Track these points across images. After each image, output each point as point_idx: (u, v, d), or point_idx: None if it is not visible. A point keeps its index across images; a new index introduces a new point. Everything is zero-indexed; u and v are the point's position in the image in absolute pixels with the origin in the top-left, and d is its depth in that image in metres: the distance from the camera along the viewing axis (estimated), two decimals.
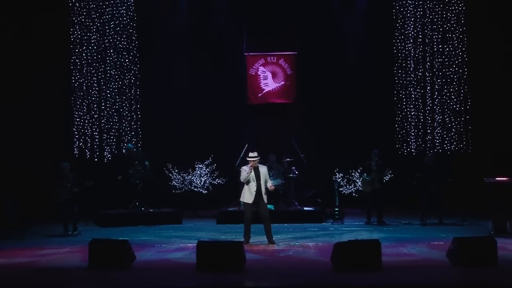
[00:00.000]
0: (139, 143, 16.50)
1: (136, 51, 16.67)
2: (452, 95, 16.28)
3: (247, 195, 10.89)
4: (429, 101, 16.44)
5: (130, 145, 15.26)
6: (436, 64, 16.38)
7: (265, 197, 10.94)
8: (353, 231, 12.43)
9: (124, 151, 15.83)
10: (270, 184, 11.11)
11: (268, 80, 17.12)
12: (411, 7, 16.51)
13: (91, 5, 16.26)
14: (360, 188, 14.42)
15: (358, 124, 16.46)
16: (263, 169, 10.99)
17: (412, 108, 16.56)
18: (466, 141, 16.14)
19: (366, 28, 16.92)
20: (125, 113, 16.60)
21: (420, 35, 16.46)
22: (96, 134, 16.37)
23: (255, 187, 10.82)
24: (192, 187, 15.74)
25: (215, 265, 8.48)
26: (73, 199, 12.55)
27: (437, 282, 7.87)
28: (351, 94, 16.59)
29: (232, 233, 12.16)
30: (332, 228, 13.00)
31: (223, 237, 11.88)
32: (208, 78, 16.86)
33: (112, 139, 16.47)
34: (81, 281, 8.28)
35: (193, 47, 17.08)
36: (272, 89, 17.14)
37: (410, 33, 16.52)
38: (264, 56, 17.15)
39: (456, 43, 16.24)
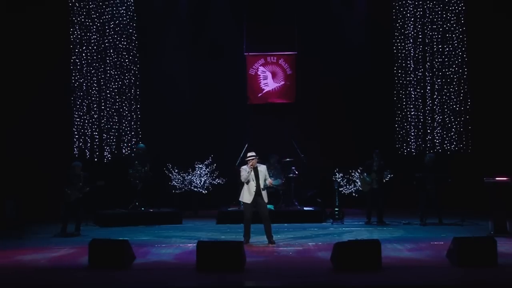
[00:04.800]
0: (139, 143, 16.47)
1: (136, 51, 16.67)
2: (452, 95, 16.29)
3: (246, 195, 10.90)
4: (429, 101, 16.44)
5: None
6: (436, 64, 16.39)
7: (265, 197, 10.95)
8: (353, 231, 12.43)
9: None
10: (269, 180, 11.09)
11: (268, 80, 17.12)
12: (411, 7, 16.52)
13: (91, 5, 16.26)
14: (360, 188, 14.44)
15: (358, 124, 16.46)
16: (262, 168, 11.00)
17: (412, 108, 16.56)
18: (466, 141, 16.15)
19: (366, 28, 16.90)
20: (125, 113, 16.59)
21: (420, 35, 16.47)
22: (96, 134, 16.37)
23: (255, 187, 10.83)
24: (192, 187, 15.75)
25: (215, 265, 8.48)
26: (84, 199, 12.56)
27: (437, 282, 7.87)
28: (351, 94, 16.61)
29: (232, 233, 12.17)
30: (332, 228, 13.00)
31: (223, 237, 11.88)
32: (208, 78, 16.87)
33: (112, 139, 16.47)
34: (81, 281, 8.27)
35: (193, 47, 17.08)
36: (272, 89, 17.14)
37: (410, 33, 16.53)
38: (264, 56, 17.15)
39: (456, 43, 16.25)
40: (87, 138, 16.30)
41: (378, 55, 16.61)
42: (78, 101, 16.29)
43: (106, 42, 16.42)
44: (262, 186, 10.88)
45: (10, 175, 14.84)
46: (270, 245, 10.71)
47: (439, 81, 16.38)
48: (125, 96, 16.62)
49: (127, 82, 16.60)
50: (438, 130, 16.37)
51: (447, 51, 16.31)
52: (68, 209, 12.53)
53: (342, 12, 17.09)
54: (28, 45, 15.66)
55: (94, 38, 16.32)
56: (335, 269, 8.46)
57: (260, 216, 10.94)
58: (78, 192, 12.53)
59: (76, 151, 16.10)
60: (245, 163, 11.09)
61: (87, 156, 16.10)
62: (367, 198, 13.60)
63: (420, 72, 16.51)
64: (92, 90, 16.39)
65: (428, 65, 16.46)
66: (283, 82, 17.10)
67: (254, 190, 10.82)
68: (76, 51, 16.24)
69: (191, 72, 17.02)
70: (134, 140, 16.42)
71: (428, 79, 16.44)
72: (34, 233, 12.78)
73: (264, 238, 10.92)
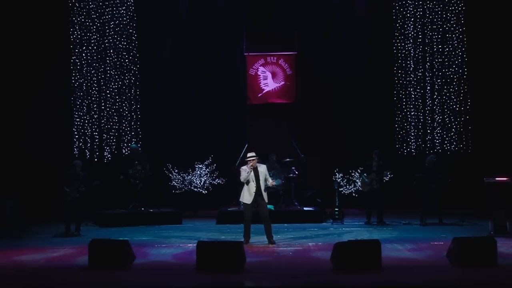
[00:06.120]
0: (139, 143, 16.50)
1: (136, 51, 16.67)
2: (452, 95, 16.30)
3: (247, 195, 10.89)
4: (429, 101, 16.45)
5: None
6: (436, 64, 16.40)
7: (265, 196, 10.94)
8: (353, 231, 12.43)
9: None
10: (270, 181, 11.08)
11: (268, 80, 17.12)
12: (411, 7, 16.53)
13: (91, 5, 16.27)
14: (360, 188, 14.45)
15: (358, 124, 16.47)
16: (262, 168, 10.98)
17: (412, 108, 16.57)
18: (466, 141, 16.15)
19: (366, 28, 16.90)
20: (125, 113, 16.60)
21: (420, 35, 16.48)
22: (96, 134, 16.38)
23: (255, 188, 10.82)
24: (192, 187, 15.75)
25: (215, 265, 8.48)
26: (82, 199, 12.58)
27: (437, 282, 7.87)
28: (351, 94, 16.61)
29: (232, 233, 12.16)
30: (332, 228, 12.99)
31: (223, 237, 11.88)
32: (208, 78, 16.88)
33: (112, 139, 16.48)
34: (81, 281, 8.27)
35: (193, 47, 17.08)
36: (272, 89, 17.15)
37: (410, 33, 16.54)
38: (264, 56, 17.16)
39: (456, 43, 16.25)
40: (87, 138, 16.31)
41: (378, 55, 16.61)
42: (78, 101, 16.29)
43: (106, 42, 16.42)
44: (262, 186, 10.86)
45: (11, 175, 14.83)
46: (270, 245, 10.71)
47: (439, 81, 16.38)
48: (125, 96, 16.62)
49: (127, 82, 16.61)
50: (438, 130, 16.37)
51: (447, 51, 16.32)
52: (67, 209, 12.54)
53: (342, 12, 17.09)
54: (28, 45, 15.65)
55: (94, 38, 16.33)
56: (335, 269, 8.46)
57: (260, 216, 10.94)
58: (75, 191, 12.54)
59: (76, 151, 16.10)
60: (245, 163, 11.09)
61: (87, 156, 16.10)
62: (367, 198, 13.60)
63: (420, 72, 16.51)
64: (92, 90, 16.39)
65: (428, 65, 16.47)
66: (283, 82, 17.10)
67: (254, 190, 10.81)
68: (76, 51, 16.24)
69: (191, 72, 17.02)
70: (134, 140, 16.42)
71: (428, 79, 16.45)
72: (34, 233, 12.78)
73: (264, 238, 10.92)
